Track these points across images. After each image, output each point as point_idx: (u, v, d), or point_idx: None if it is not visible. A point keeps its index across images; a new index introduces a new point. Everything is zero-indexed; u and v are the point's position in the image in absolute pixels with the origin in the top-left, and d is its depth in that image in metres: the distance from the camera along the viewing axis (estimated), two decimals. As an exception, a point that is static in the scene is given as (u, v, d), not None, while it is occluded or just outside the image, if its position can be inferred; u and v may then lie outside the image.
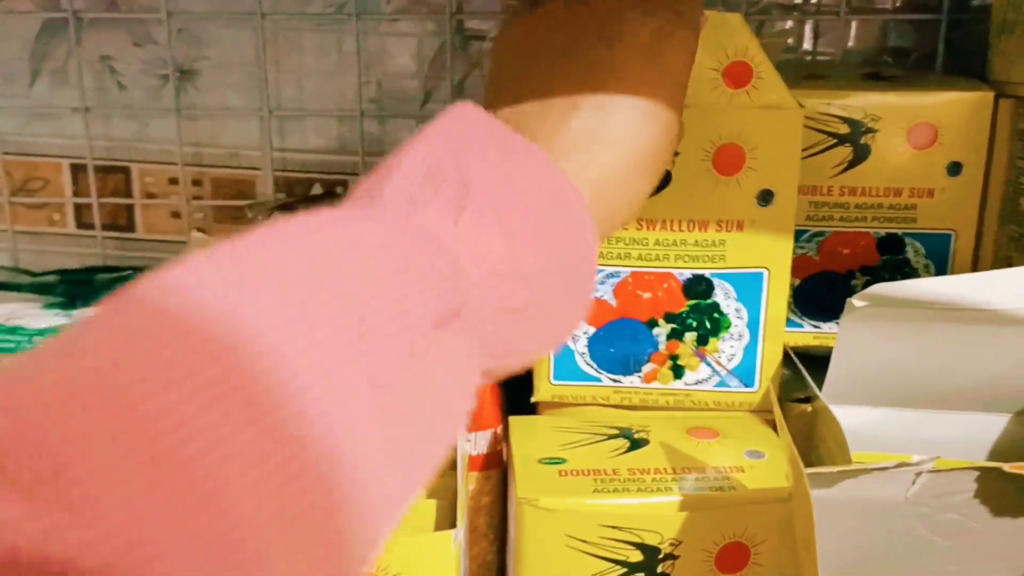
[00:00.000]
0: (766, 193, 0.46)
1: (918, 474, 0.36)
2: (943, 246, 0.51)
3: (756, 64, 0.44)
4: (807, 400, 0.48)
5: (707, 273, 0.47)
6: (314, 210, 0.26)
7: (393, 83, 0.66)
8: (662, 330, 0.48)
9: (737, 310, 0.48)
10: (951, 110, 0.49)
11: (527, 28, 0.36)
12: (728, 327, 0.48)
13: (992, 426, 0.45)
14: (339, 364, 0.22)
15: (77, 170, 0.68)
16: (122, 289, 0.22)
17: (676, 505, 0.41)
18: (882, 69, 0.57)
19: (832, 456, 0.42)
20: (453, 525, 0.39)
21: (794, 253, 0.49)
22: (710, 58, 0.44)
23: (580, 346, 0.48)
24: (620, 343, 0.48)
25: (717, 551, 0.42)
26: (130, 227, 0.69)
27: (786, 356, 0.49)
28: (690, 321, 0.48)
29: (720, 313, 0.48)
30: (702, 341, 0.48)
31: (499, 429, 0.49)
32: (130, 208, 0.69)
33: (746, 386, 0.49)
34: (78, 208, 0.69)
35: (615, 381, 0.49)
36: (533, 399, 0.50)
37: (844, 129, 0.50)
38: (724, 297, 0.48)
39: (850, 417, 0.43)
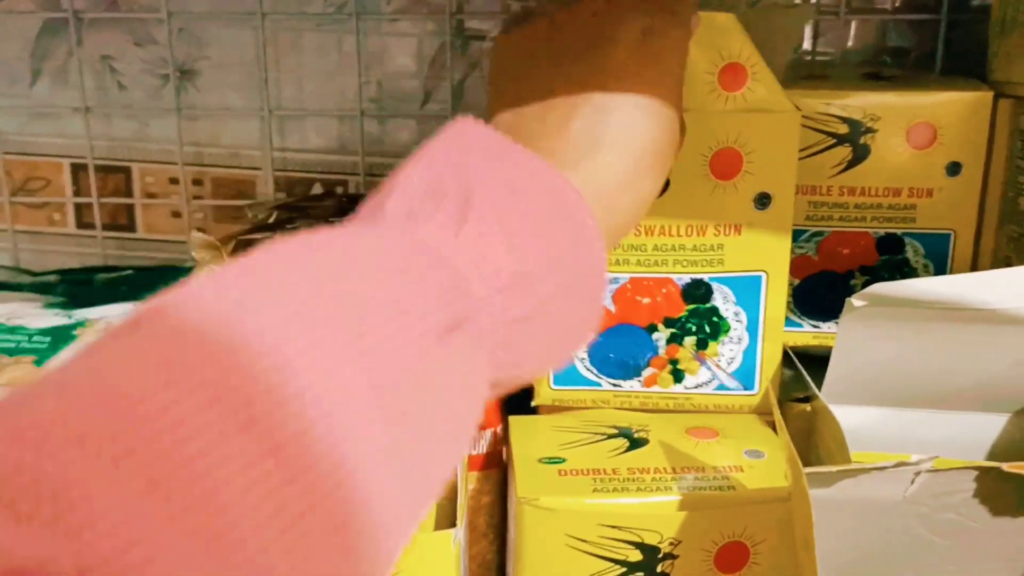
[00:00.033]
0: (763, 196, 0.46)
1: (917, 474, 0.36)
2: (942, 246, 0.51)
3: (751, 65, 0.44)
4: (806, 400, 0.48)
5: (706, 277, 0.47)
6: (316, 228, 0.26)
7: (393, 83, 0.66)
8: (661, 335, 0.48)
9: (736, 313, 0.48)
10: (950, 110, 0.50)
11: (525, 34, 0.36)
12: (727, 331, 0.48)
13: (991, 426, 0.45)
14: (339, 366, 0.22)
15: (78, 170, 0.68)
16: (123, 318, 0.22)
17: (675, 504, 0.41)
18: (881, 69, 0.57)
19: (831, 456, 0.42)
20: (453, 524, 0.39)
21: (793, 253, 0.49)
22: (704, 60, 0.43)
23: (580, 351, 0.48)
24: (620, 348, 0.48)
25: (716, 550, 0.42)
26: (130, 227, 0.69)
27: (786, 356, 0.49)
28: (689, 325, 0.48)
29: (719, 317, 0.48)
30: (702, 345, 0.48)
31: (499, 429, 0.49)
32: (130, 208, 0.69)
33: (746, 389, 0.49)
34: (78, 208, 0.69)
35: (615, 386, 0.49)
36: (533, 403, 0.50)
37: (843, 129, 0.50)
38: (723, 301, 0.48)
39: (849, 417, 0.43)
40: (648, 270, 0.47)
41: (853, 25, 0.63)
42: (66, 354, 0.49)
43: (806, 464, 0.36)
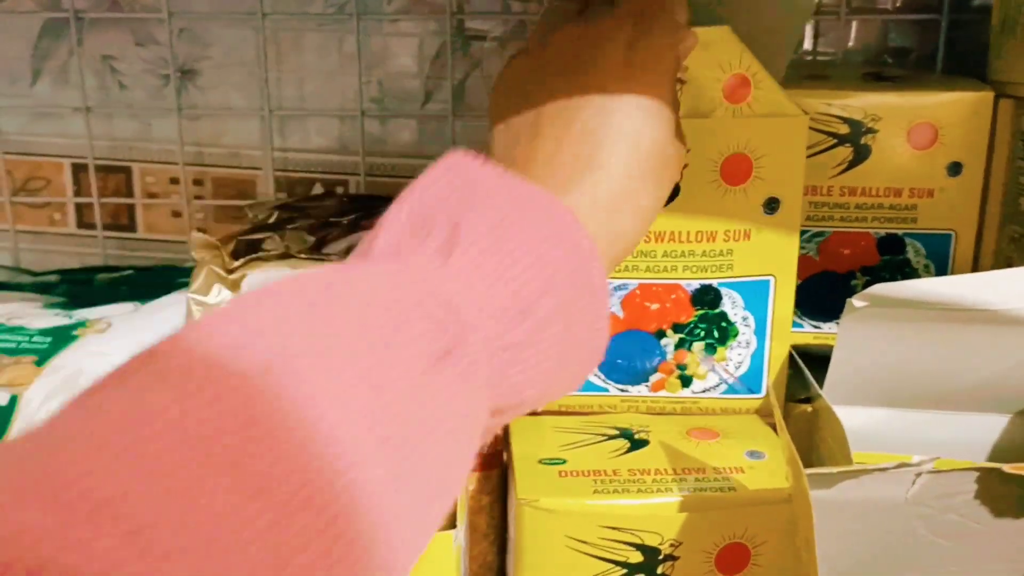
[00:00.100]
0: (772, 201, 0.46)
1: (918, 475, 0.36)
2: (943, 246, 0.51)
3: (752, 74, 0.44)
4: (808, 400, 0.48)
5: (715, 283, 0.47)
6: (308, 268, 0.27)
7: (394, 83, 0.66)
8: (670, 340, 0.48)
9: (744, 318, 0.48)
10: (951, 110, 0.49)
11: (518, 62, 0.37)
12: (736, 335, 0.48)
13: (993, 426, 0.45)
14: (334, 404, 0.22)
15: (78, 170, 0.68)
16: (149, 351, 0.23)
17: (676, 506, 0.41)
18: (882, 69, 0.57)
19: (833, 456, 0.42)
20: (453, 525, 0.39)
21: (794, 254, 0.48)
22: (706, 76, 0.43)
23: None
24: (628, 354, 0.48)
25: (717, 552, 0.42)
26: (131, 227, 0.69)
27: (788, 357, 0.49)
28: (698, 331, 0.48)
29: (728, 322, 0.48)
30: (710, 350, 0.48)
31: (499, 429, 0.49)
32: (131, 208, 0.69)
33: (753, 392, 0.49)
34: (79, 208, 0.69)
35: (622, 391, 0.49)
36: (539, 408, 0.50)
37: (844, 129, 0.50)
38: (731, 306, 0.48)
39: (850, 417, 0.43)
40: (657, 276, 0.47)
41: (854, 25, 0.63)
42: (68, 358, 0.49)
43: (807, 465, 0.36)
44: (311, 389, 0.22)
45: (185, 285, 0.48)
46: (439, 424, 0.25)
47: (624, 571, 0.42)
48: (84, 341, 0.50)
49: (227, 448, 0.20)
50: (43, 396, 0.46)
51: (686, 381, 0.49)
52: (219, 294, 0.46)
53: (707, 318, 0.48)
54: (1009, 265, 0.50)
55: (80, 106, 0.66)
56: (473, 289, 0.27)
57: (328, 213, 0.55)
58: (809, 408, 0.48)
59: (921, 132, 0.50)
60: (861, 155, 0.50)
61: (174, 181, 0.68)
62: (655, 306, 0.48)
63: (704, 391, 0.49)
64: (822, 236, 0.52)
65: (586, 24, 0.35)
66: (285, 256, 0.47)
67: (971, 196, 0.51)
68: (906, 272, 0.52)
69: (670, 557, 0.42)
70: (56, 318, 0.53)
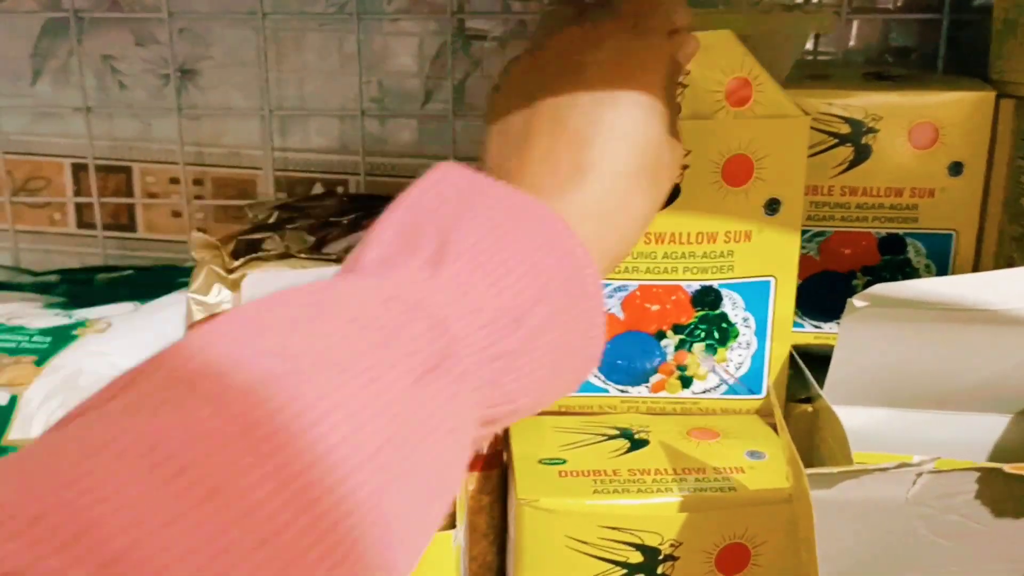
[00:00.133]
0: (773, 202, 0.46)
1: (919, 475, 0.36)
2: (944, 246, 0.51)
3: (754, 77, 0.44)
4: (809, 400, 0.48)
5: (715, 284, 0.47)
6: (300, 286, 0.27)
7: (394, 82, 0.65)
8: (670, 341, 0.48)
9: (745, 319, 0.48)
10: (952, 110, 0.49)
11: (512, 71, 0.37)
12: (736, 336, 0.48)
13: (993, 427, 0.45)
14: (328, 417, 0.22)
15: (78, 169, 0.68)
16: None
17: (676, 506, 0.41)
18: (883, 69, 0.57)
19: (833, 456, 0.42)
20: (453, 525, 0.39)
21: (795, 254, 0.48)
22: (708, 80, 0.43)
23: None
24: (628, 355, 0.48)
25: (717, 552, 0.42)
26: (131, 226, 0.69)
27: (789, 357, 0.49)
28: (698, 332, 0.48)
29: (728, 323, 0.48)
30: (710, 351, 0.48)
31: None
32: (131, 208, 0.69)
33: (754, 393, 0.49)
34: (79, 208, 0.69)
35: (622, 391, 0.49)
36: (539, 409, 0.50)
37: (845, 129, 0.50)
38: (732, 307, 0.47)
39: (851, 418, 0.43)
40: (658, 277, 0.47)
41: (855, 25, 0.63)
42: (68, 357, 0.49)
43: (808, 465, 0.36)
44: (304, 403, 0.22)
45: (185, 285, 0.48)
46: (427, 435, 0.25)
47: (624, 571, 0.42)
48: (84, 341, 0.50)
49: (216, 468, 0.20)
50: (43, 396, 0.46)
51: (686, 382, 0.49)
52: (219, 294, 0.46)
53: (708, 319, 0.48)
54: (1010, 265, 0.50)
55: (80, 106, 0.66)
56: (462, 300, 0.27)
57: (328, 213, 0.55)
58: (810, 408, 0.48)
59: (922, 132, 0.50)
60: (862, 155, 0.50)
61: (174, 181, 0.68)
62: (655, 307, 0.48)
63: (704, 392, 0.49)
64: (823, 236, 0.52)
65: (581, 27, 0.35)
66: (285, 256, 0.47)
67: (972, 196, 0.51)
68: (907, 272, 0.52)
69: (670, 557, 0.41)
70: (56, 318, 0.53)
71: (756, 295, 0.47)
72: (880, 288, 0.40)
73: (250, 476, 0.20)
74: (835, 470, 0.36)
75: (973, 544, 0.38)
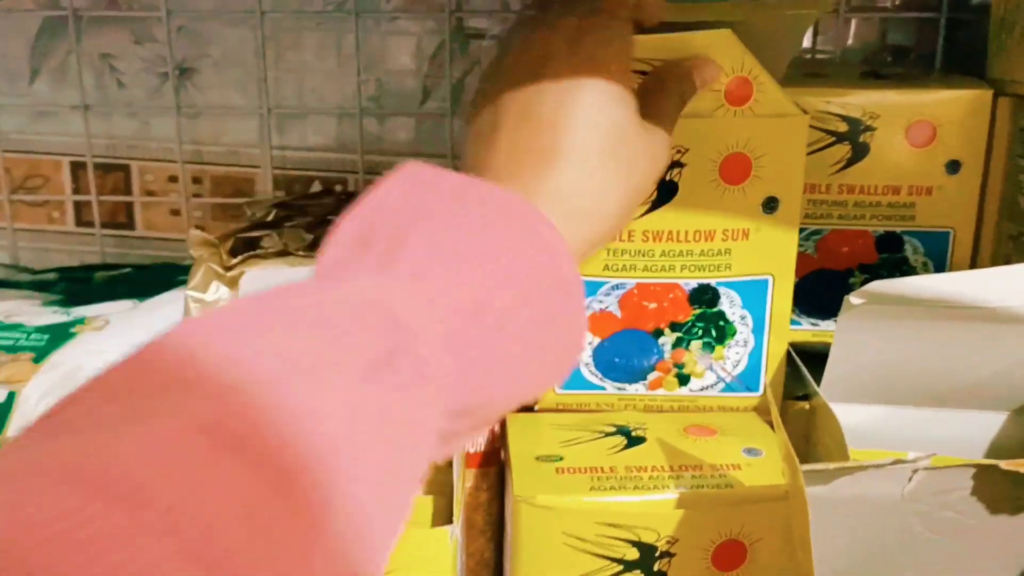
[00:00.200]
0: (771, 200, 0.46)
1: (915, 471, 0.36)
2: (942, 244, 0.51)
3: (754, 77, 0.44)
4: (806, 398, 0.48)
5: (713, 282, 0.47)
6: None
7: (393, 81, 0.66)
8: (667, 339, 0.48)
9: (742, 317, 0.48)
10: (950, 108, 0.49)
11: (486, 73, 0.37)
12: (733, 334, 0.48)
13: (990, 424, 0.45)
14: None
15: (77, 168, 0.68)
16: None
17: (673, 503, 0.41)
18: (881, 67, 0.57)
19: (830, 454, 0.42)
20: (450, 521, 0.39)
21: (792, 252, 0.48)
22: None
23: (585, 356, 0.48)
24: (625, 353, 0.48)
25: (714, 549, 0.42)
26: (130, 225, 0.69)
27: (786, 355, 0.49)
28: (696, 330, 0.48)
29: (726, 321, 0.48)
30: (708, 349, 0.48)
31: (497, 426, 0.49)
32: (130, 206, 0.69)
33: (751, 391, 0.49)
34: (78, 206, 0.69)
35: (620, 389, 0.49)
36: (537, 407, 0.50)
37: (843, 127, 0.50)
38: (729, 305, 0.48)
39: (848, 415, 0.43)
40: (655, 275, 0.47)
41: (853, 23, 0.63)
42: (66, 355, 0.49)
43: (805, 462, 0.36)
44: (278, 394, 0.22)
45: (183, 283, 0.48)
46: (378, 430, 0.24)
47: (620, 568, 0.42)
48: (82, 338, 0.50)
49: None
50: (41, 393, 0.46)
51: (684, 380, 0.49)
52: (217, 291, 0.46)
53: (705, 317, 0.48)
54: (1007, 263, 0.50)
55: (79, 104, 0.66)
56: (419, 294, 0.27)
57: (326, 211, 0.55)
58: (806, 405, 0.48)
59: (920, 130, 0.50)
60: (859, 153, 0.50)
61: (173, 179, 0.68)
62: (653, 305, 0.48)
63: (702, 389, 0.49)
64: (820, 234, 0.52)
65: (544, 23, 0.36)
66: (283, 254, 0.47)
67: (969, 194, 0.51)
68: (904, 270, 0.52)
69: (667, 554, 0.42)
70: (54, 315, 0.53)
71: (754, 293, 0.48)
72: (877, 285, 0.40)
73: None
74: (831, 466, 0.36)
75: (969, 541, 0.38)
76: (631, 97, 0.34)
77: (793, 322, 0.52)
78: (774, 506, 0.41)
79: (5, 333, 0.50)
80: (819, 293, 0.52)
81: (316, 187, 0.68)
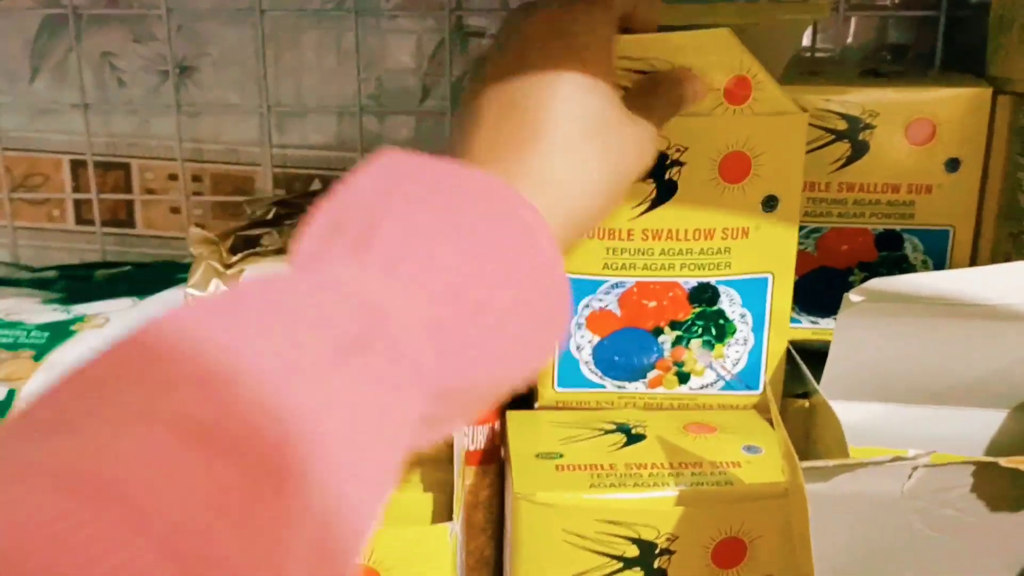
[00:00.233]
0: (771, 199, 0.46)
1: (914, 469, 0.36)
2: (941, 242, 0.51)
3: (753, 75, 0.44)
4: (805, 396, 0.48)
5: (713, 281, 0.47)
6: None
7: (392, 80, 0.66)
8: (667, 337, 0.48)
9: (742, 315, 0.48)
10: (949, 106, 0.49)
11: (474, 70, 0.38)
12: (733, 333, 0.48)
13: (990, 422, 0.45)
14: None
15: (77, 166, 0.68)
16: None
17: (673, 500, 0.41)
18: (881, 66, 0.57)
19: (830, 452, 0.42)
20: (450, 518, 0.39)
21: (792, 250, 0.48)
22: (707, 78, 0.43)
23: (584, 355, 0.48)
24: (625, 351, 0.48)
25: (714, 546, 0.42)
26: (130, 223, 0.69)
27: (786, 353, 0.49)
28: (695, 328, 0.48)
29: (726, 319, 0.48)
30: (708, 347, 0.48)
31: (496, 424, 0.49)
32: (130, 204, 0.69)
33: (751, 389, 0.49)
34: (78, 204, 0.69)
35: (619, 387, 0.49)
36: (536, 405, 0.50)
37: (842, 125, 0.50)
38: (729, 303, 0.48)
39: (848, 413, 0.43)
40: (655, 274, 0.47)
41: (852, 22, 0.63)
42: (66, 353, 0.49)
43: (804, 460, 0.36)
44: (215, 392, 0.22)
45: (184, 281, 0.48)
46: (354, 415, 0.24)
47: (620, 565, 0.42)
48: (82, 336, 0.50)
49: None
50: (41, 390, 0.46)
51: (683, 378, 0.49)
52: (217, 289, 0.46)
53: (705, 315, 0.48)
54: (1007, 261, 0.50)
55: (79, 103, 0.66)
56: (393, 279, 0.27)
57: (326, 209, 0.55)
58: (806, 403, 0.48)
59: (919, 128, 0.50)
60: (859, 151, 0.50)
61: (173, 177, 0.68)
62: (652, 304, 0.48)
63: (702, 387, 0.49)
64: (820, 232, 0.52)
65: (526, 16, 0.36)
66: (283, 252, 0.47)
67: (969, 192, 0.51)
68: (904, 268, 0.52)
69: (666, 551, 0.42)
70: (54, 313, 0.53)
71: (753, 291, 0.48)
72: (876, 283, 0.40)
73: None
74: (830, 463, 0.36)
75: (968, 538, 0.38)
76: (612, 84, 0.35)
77: (793, 320, 0.52)
78: (774, 503, 0.41)
79: (5, 331, 0.50)
80: (819, 291, 0.52)
81: (316, 185, 0.68)
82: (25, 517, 0.17)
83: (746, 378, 0.49)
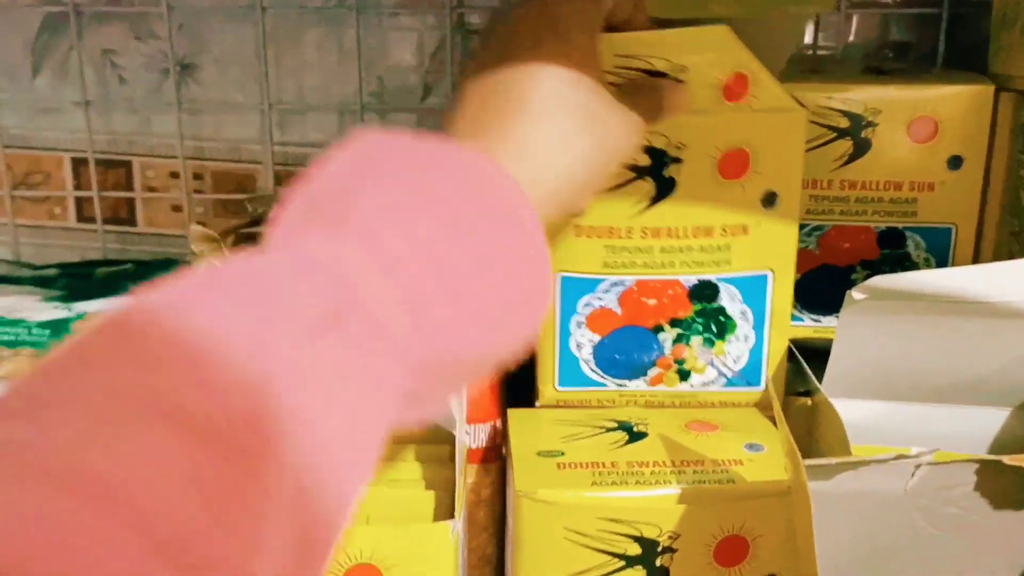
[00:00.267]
0: (771, 195, 0.46)
1: (917, 466, 0.36)
2: (944, 240, 0.51)
3: (751, 72, 0.43)
4: (807, 394, 0.48)
5: (713, 278, 0.47)
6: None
7: (394, 77, 0.65)
8: (668, 335, 0.48)
9: (743, 312, 0.48)
10: (952, 104, 0.49)
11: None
12: (734, 329, 0.48)
13: (993, 420, 0.45)
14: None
15: (78, 164, 0.68)
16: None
17: (675, 498, 0.41)
18: (883, 63, 0.57)
19: (832, 450, 0.42)
20: (452, 516, 0.39)
21: (794, 247, 0.48)
22: (705, 75, 0.43)
23: (585, 353, 0.48)
24: (626, 350, 0.48)
25: (716, 544, 0.42)
26: (131, 221, 0.69)
27: (787, 350, 0.49)
28: (696, 326, 0.48)
29: (726, 316, 0.48)
30: (708, 344, 0.48)
31: (498, 422, 0.49)
32: (131, 202, 0.69)
33: (752, 386, 0.49)
34: (79, 202, 0.69)
35: (620, 386, 0.49)
36: (537, 404, 0.50)
37: (844, 123, 0.50)
38: (730, 300, 0.47)
39: (850, 411, 0.43)
40: (654, 272, 0.47)
41: (854, 19, 0.63)
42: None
43: (806, 458, 0.36)
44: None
45: (184, 278, 0.48)
46: (331, 388, 0.24)
47: (622, 563, 0.42)
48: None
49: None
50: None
51: (684, 375, 0.49)
52: (218, 287, 0.46)
53: (705, 313, 0.48)
54: (1009, 259, 0.50)
55: (80, 100, 0.66)
56: (368, 253, 0.27)
57: (327, 207, 0.55)
58: (808, 402, 0.48)
59: (921, 125, 0.50)
60: (861, 149, 0.50)
61: (174, 175, 0.68)
62: (652, 301, 0.48)
63: (703, 385, 0.49)
64: (822, 230, 0.52)
65: (516, 9, 0.37)
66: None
67: (971, 190, 0.51)
68: (906, 266, 0.52)
69: (668, 549, 0.41)
70: (56, 311, 0.53)
71: (754, 289, 0.47)
72: (879, 280, 0.40)
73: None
74: (833, 461, 0.36)
75: (971, 536, 0.38)
76: (597, 77, 0.35)
77: (795, 318, 0.51)
78: (776, 501, 0.41)
79: (7, 328, 0.50)
80: (821, 289, 0.52)
81: (317, 183, 0.68)
82: None
83: (747, 375, 0.49)
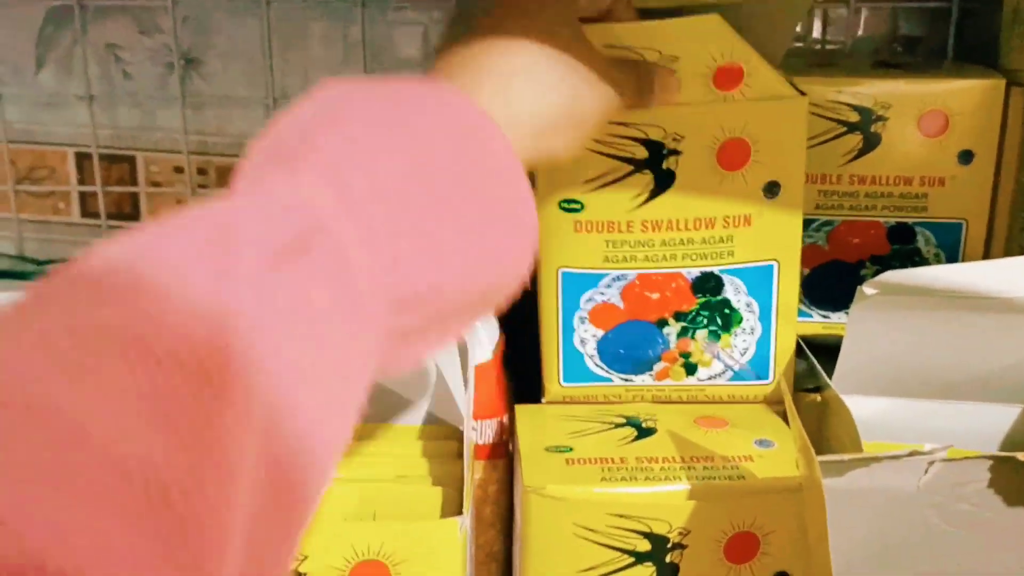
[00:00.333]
0: (773, 185, 0.45)
1: (931, 463, 0.36)
2: (954, 235, 0.51)
3: (745, 62, 0.43)
4: (818, 390, 0.48)
5: (716, 270, 0.47)
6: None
7: (399, 71, 0.65)
8: (672, 329, 0.48)
9: (748, 304, 0.47)
10: (962, 98, 0.49)
11: None
12: (740, 322, 0.48)
13: (1005, 417, 0.45)
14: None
15: (82, 159, 0.68)
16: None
17: (685, 494, 0.41)
18: (892, 57, 0.56)
19: (843, 446, 0.41)
20: (459, 512, 0.39)
21: (803, 242, 0.48)
22: (699, 65, 0.42)
23: (589, 349, 0.48)
24: (630, 344, 0.48)
25: (726, 541, 0.41)
26: (135, 216, 0.69)
27: (796, 346, 0.48)
28: (700, 319, 0.48)
29: (731, 308, 0.47)
30: (714, 337, 0.48)
31: (505, 418, 0.49)
32: (135, 197, 0.68)
33: (760, 379, 0.48)
34: (83, 197, 0.69)
35: (626, 380, 0.49)
36: (544, 400, 0.50)
37: (854, 117, 0.49)
38: (734, 292, 0.47)
39: (861, 407, 0.43)
40: (656, 265, 0.47)
41: (863, 13, 0.63)
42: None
43: (817, 455, 0.36)
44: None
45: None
46: (297, 317, 0.24)
47: (632, 559, 0.41)
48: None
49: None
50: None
51: (691, 369, 0.48)
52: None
53: (709, 305, 0.47)
54: (1021, 254, 0.49)
55: (84, 95, 0.65)
56: (329, 183, 0.26)
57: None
58: (819, 398, 0.47)
59: (932, 120, 0.49)
60: (871, 143, 0.50)
61: (178, 170, 0.67)
62: (655, 295, 0.47)
63: (710, 379, 0.49)
64: (831, 225, 0.51)
65: None
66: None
67: (982, 184, 0.50)
68: (916, 262, 0.51)
69: (679, 546, 0.41)
70: (60, 306, 0.52)
71: (759, 280, 0.47)
72: (890, 275, 0.39)
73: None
74: (846, 457, 0.35)
75: (985, 533, 0.37)
76: (579, 32, 0.35)
77: (804, 314, 0.51)
78: (787, 498, 0.41)
79: (11, 324, 0.50)
80: (830, 285, 0.52)
81: (322, 178, 0.67)
82: None
83: (755, 368, 0.48)
